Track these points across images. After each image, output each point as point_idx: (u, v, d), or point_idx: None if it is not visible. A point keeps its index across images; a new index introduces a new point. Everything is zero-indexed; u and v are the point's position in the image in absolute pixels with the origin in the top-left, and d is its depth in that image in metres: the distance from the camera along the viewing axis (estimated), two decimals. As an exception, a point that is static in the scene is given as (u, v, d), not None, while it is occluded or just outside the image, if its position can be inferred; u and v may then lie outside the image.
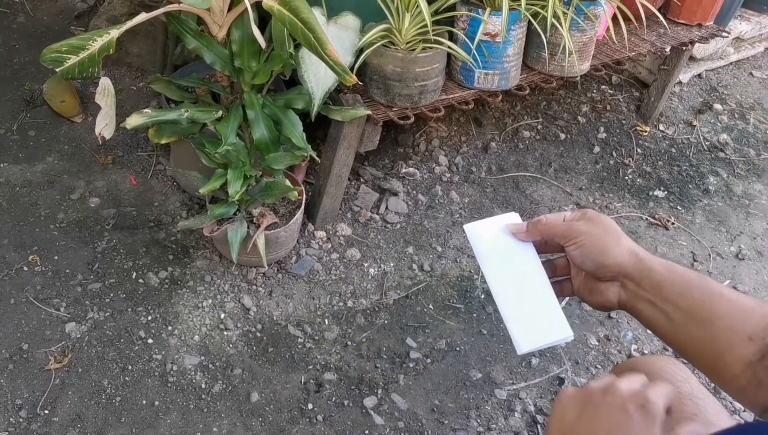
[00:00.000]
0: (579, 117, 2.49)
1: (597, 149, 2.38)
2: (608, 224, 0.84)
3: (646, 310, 0.80)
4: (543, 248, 0.92)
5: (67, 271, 1.78)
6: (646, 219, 2.16)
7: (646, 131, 2.47)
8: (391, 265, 1.91)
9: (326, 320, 1.75)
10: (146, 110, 1.57)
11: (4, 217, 1.89)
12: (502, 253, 0.92)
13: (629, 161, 2.36)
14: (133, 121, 1.56)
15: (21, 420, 1.49)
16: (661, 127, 2.51)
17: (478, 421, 1.60)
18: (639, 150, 2.40)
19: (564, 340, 0.87)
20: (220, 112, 1.62)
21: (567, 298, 0.92)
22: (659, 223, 2.14)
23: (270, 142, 1.61)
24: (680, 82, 2.67)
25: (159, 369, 1.61)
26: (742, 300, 0.75)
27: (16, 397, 1.52)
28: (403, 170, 2.18)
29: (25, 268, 1.78)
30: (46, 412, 1.51)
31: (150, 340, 1.66)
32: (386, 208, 2.06)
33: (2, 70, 2.37)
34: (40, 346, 1.62)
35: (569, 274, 0.91)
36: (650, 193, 2.25)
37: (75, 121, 2.18)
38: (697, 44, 2.29)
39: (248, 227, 1.69)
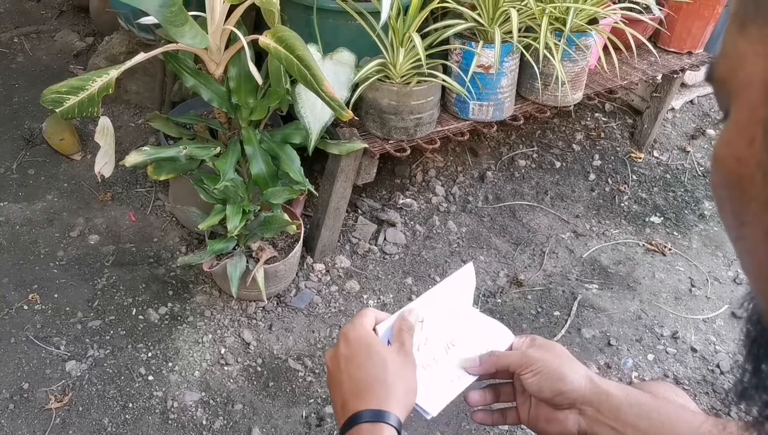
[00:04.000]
0: (574, 145, 2.51)
1: (592, 176, 2.40)
2: (560, 350, 0.85)
3: None
4: (492, 376, 0.92)
5: (67, 308, 1.78)
6: (643, 245, 2.17)
7: (640, 158, 2.49)
8: (390, 296, 1.91)
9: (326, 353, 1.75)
10: (145, 148, 1.59)
11: (4, 256, 1.90)
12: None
13: (625, 188, 2.37)
14: (132, 159, 1.57)
15: (21, 461, 1.48)
16: (656, 154, 2.54)
17: (481, 452, 1.59)
18: (634, 176, 2.43)
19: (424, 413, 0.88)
20: (218, 149, 1.64)
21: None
22: (656, 249, 2.16)
23: (268, 177, 1.63)
24: (673, 109, 2.71)
25: (160, 406, 1.60)
26: (698, 419, 0.76)
27: (17, 438, 1.52)
28: (401, 201, 2.19)
29: (25, 307, 1.78)
30: (47, 452, 1.50)
31: (150, 377, 1.65)
32: (384, 239, 2.07)
33: (2, 109, 2.40)
34: (40, 385, 1.62)
35: (514, 400, 0.91)
36: (646, 220, 2.27)
37: (74, 158, 2.20)
38: (687, 71, 2.33)
39: (247, 262, 1.70)
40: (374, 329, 0.87)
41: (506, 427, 1.63)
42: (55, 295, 1.81)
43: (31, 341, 1.70)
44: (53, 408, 1.57)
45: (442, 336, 0.93)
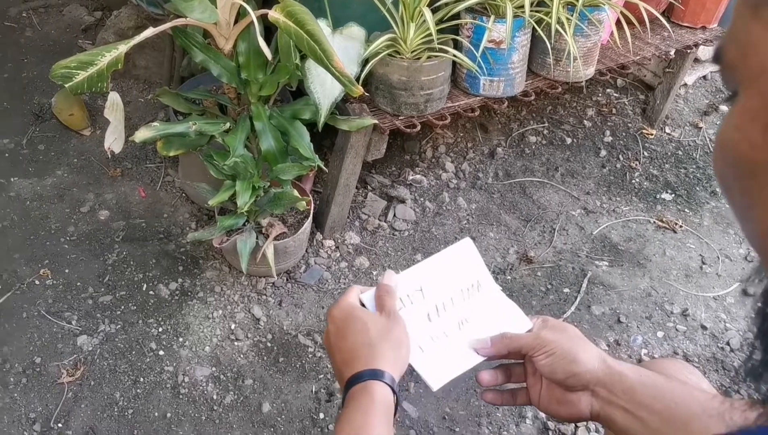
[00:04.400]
0: (585, 121, 2.49)
1: (603, 153, 2.39)
2: (572, 331, 0.85)
3: (620, 418, 0.79)
4: (503, 357, 0.92)
5: (78, 284, 1.79)
6: (654, 222, 2.16)
7: (652, 134, 2.47)
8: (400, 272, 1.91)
9: (336, 329, 1.76)
10: (154, 123, 1.58)
11: (15, 231, 1.90)
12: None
13: (636, 164, 2.36)
14: (142, 134, 1.57)
15: (35, 434, 1.50)
16: (668, 130, 2.51)
17: (490, 428, 1.60)
18: (645, 153, 2.41)
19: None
20: (228, 124, 1.63)
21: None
22: (667, 226, 2.14)
23: (278, 153, 1.62)
24: (685, 85, 2.67)
25: (170, 381, 1.61)
26: (713, 399, 0.76)
27: (30, 411, 1.53)
28: (410, 177, 2.18)
29: (37, 282, 1.79)
30: (60, 425, 1.52)
31: (161, 352, 1.66)
32: (394, 215, 2.07)
33: (11, 85, 2.39)
34: (52, 360, 1.63)
35: (525, 381, 0.90)
36: (657, 196, 2.25)
37: (84, 134, 2.20)
38: (701, 47, 2.29)
39: (257, 238, 1.70)
40: (361, 302, 0.89)
41: (516, 407, 1.64)
42: (66, 271, 1.82)
43: (42, 316, 1.71)
44: (65, 382, 1.59)
45: (457, 311, 0.93)
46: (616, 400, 0.79)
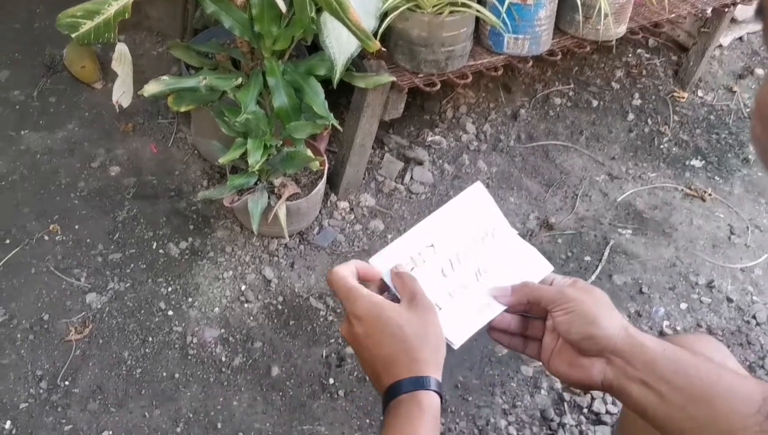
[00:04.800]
0: (613, 83, 2.39)
1: (631, 116, 2.29)
2: (600, 295, 0.79)
3: (636, 391, 0.74)
4: (524, 310, 0.87)
5: (88, 240, 1.76)
6: (682, 190, 2.08)
7: (683, 97, 2.37)
8: (416, 236, 1.86)
9: (349, 293, 1.72)
10: (164, 77, 1.53)
11: (25, 186, 1.87)
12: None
13: (665, 129, 2.26)
14: (151, 88, 1.52)
15: (41, 391, 1.48)
16: (700, 93, 2.41)
17: (503, 398, 1.56)
18: (676, 117, 2.31)
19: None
20: (240, 80, 1.57)
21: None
22: (695, 194, 2.06)
23: (291, 110, 1.56)
24: (720, 46, 2.55)
25: (179, 341, 1.59)
26: (740, 378, 0.71)
27: (37, 368, 1.52)
28: (429, 138, 2.11)
29: (46, 238, 1.76)
30: (67, 383, 1.50)
31: (170, 312, 1.64)
32: (411, 177, 2.00)
33: (23, 35, 2.33)
34: (60, 317, 1.61)
35: (540, 337, 0.85)
36: (687, 163, 2.16)
37: (95, 87, 2.14)
38: (739, 5, 2.17)
39: (269, 198, 1.65)
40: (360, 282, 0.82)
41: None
42: (76, 227, 1.79)
43: (51, 272, 1.69)
44: (73, 340, 1.57)
45: (472, 262, 0.87)
46: (633, 371, 0.73)
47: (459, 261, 0.87)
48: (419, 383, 0.73)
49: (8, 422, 1.43)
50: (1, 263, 1.69)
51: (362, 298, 0.77)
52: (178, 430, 1.45)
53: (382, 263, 0.83)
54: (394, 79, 1.66)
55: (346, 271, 0.80)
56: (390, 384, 0.74)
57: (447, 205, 0.88)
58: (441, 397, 0.74)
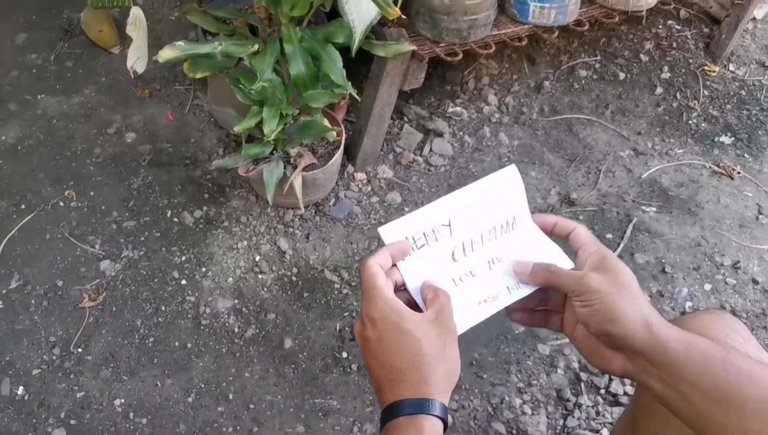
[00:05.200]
0: (641, 55, 2.32)
1: (659, 90, 2.22)
2: (626, 280, 0.72)
3: (658, 388, 0.70)
4: (540, 301, 0.83)
5: (103, 207, 1.75)
6: (710, 167, 2.01)
7: (714, 71, 2.29)
8: (434, 210, 1.82)
9: (364, 266, 1.69)
10: (179, 43, 1.49)
11: (41, 151, 1.86)
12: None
13: (694, 104, 2.19)
14: (166, 54, 1.48)
15: (54, 357, 1.48)
16: (732, 68, 2.33)
17: (519, 376, 1.54)
18: (706, 92, 2.23)
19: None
20: (256, 46, 1.53)
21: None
22: (724, 171, 2.00)
23: (308, 78, 1.52)
24: (754, 19, 2.46)
25: (192, 311, 1.58)
26: None
27: (50, 335, 1.52)
28: (450, 110, 2.07)
29: (61, 203, 1.75)
30: (80, 350, 1.50)
31: (183, 281, 1.62)
32: (430, 149, 1.96)
33: (41, -2, 2.31)
34: (74, 284, 1.60)
35: (562, 309, 0.80)
36: (716, 140, 2.10)
37: (112, 52, 2.12)
38: (777, -24, 2.09)
39: (285, 168, 1.62)
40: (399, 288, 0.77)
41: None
42: (91, 193, 1.78)
43: (66, 239, 1.68)
44: (87, 307, 1.56)
45: (487, 250, 0.82)
46: (654, 371, 0.69)
47: (473, 248, 0.82)
48: (423, 406, 0.68)
49: (21, 388, 1.43)
50: (16, 229, 1.68)
51: (383, 300, 0.72)
52: (190, 399, 1.44)
53: (393, 233, 0.78)
54: (414, 48, 1.61)
55: (378, 269, 0.74)
56: (392, 402, 0.70)
57: (475, 184, 0.82)
58: (445, 425, 0.69)
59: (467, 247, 0.81)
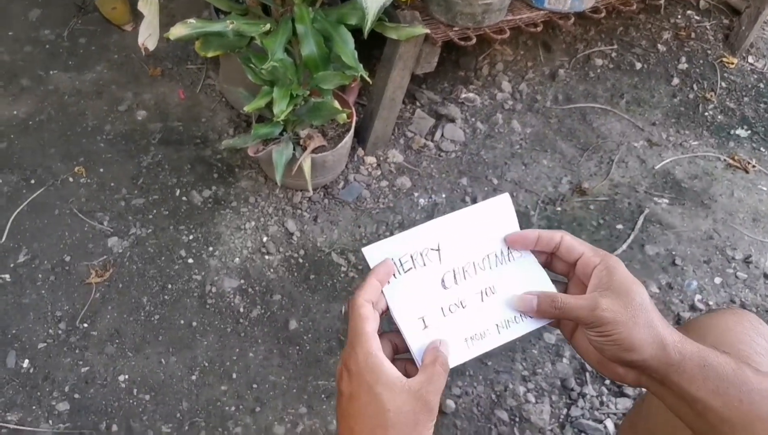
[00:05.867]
0: (659, 45, 2.29)
1: (676, 81, 2.19)
2: (639, 300, 0.67)
3: (670, 402, 0.68)
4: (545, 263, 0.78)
5: (112, 184, 1.75)
6: (724, 160, 1.99)
7: (733, 63, 2.25)
8: (443, 196, 1.81)
9: (371, 250, 1.68)
10: (191, 21, 1.48)
11: (52, 126, 1.86)
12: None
13: (711, 96, 2.16)
14: (177, 31, 1.47)
15: (60, 332, 1.49)
16: (750, 60, 2.29)
17: (524, 364, 1.53)
18: (723, 84, 2.20)
19: None
20: (269, 26, 1.52)
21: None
22: (738, 165, 1.97)
23: (319, 59, 1.51)
24: (776, 10, 2.42)
25: (198, 290, 1.58)
26: None
27: (56, 309, 1.52)
28: (463, 95, 2.05)
29: (71, 179, 1.75)
30: (85, 325, 1.51)
31: (190, 260, 1.62)
32: (442, 135, 1.95)
33: (56, -26, 2.31)
34: (82, 259, 1.61)
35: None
36: (731, 132, 2.07)
37: (126, 29, 2.11)
38: (801, -33, 2.05)
39: (294, 149, 1.61)
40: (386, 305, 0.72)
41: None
42: (101, 170, 1.78)
43: (75, 214, 1.68)
44: (93, 283, 1.57)
45: (481, 279, 0.76)
46: (668, 385, 0.67)
47: (465, 276, 0.76)
48: None
49: (26, 361, 1.44)
50: (25, 203, 1.69)
51: (364, 354, 0.65)
52: (193, 378, 1.45)
53: (379, 254, 0.73)
54: (427, 31, 1.60)
55: (368, 311, 0.68)
56: None
57: (465, 209, 0.77)
58: None
59: (458, 274, 0.76)
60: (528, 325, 0.76)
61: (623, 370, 0.71)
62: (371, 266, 0.73)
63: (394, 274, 0.73)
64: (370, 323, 0.67)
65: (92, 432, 1.36)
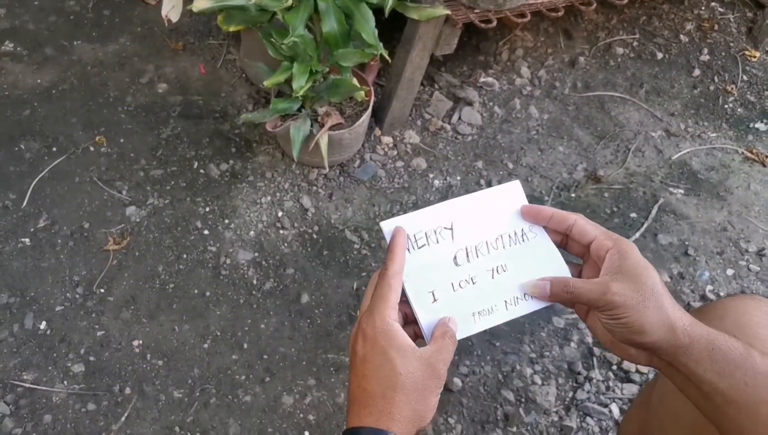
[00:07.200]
0: (681, 35, 2.27)
1: (697, 72, 2.18)
2: (650, 283, 0.69)
3: (680, 383, 0.70)
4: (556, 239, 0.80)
5: (132, 154, 1.78)
6: (742, 153, 1.98)
7: (755, 56, 2.24)
8: (458, 178, 1.82)
9: (384, 228, 1.70)
10: (214, -7, 1.50)
11: (74, 96, 1.89)
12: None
13: (732, 88, 2.15)
14: (200, 4, 1.49)
15: (77, 296, 1.52)
16: (773, 54, 2.28)
17: (531, 347, 1.54)
18: (744, 77, 2.19)
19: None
20: (290, 1, 1.53)
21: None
22: (756, 158, 1.96)
23: (340, 36, 1.52)
24: (802, 5, 2.40)
25: (213, 261, 1.60)
26: None
27: (74, 274, 1.55)
28: (482, 79, 2.05)
29: (92, 148, 1.78)
30: (102, 291, 1.53)
31: (206, 231, 1.65)
32: (459, 118, 1.95)
33: (83, -54, 2.33)
34: (100, 227, 1.63)
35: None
36: (750, 125, 2.06)
37: (149, 2, 2.13)
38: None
39: (312, 126, 1.63)
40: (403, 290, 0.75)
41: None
42: (121, 140, 1.80)
43: (94, 183, 1.71)
44: (111, 250, 1.59)
45: (493, 257, 0.79)
46: (677, 366, 0.69)
47: (477, 254, 0.79)
48: None
49: (44, 323, 1.47)
50: (47, 170, 1.72)
51: (381, 319, 0.69)
52: (205, 346, 1.47)
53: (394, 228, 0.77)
54: (448, 12, 1.60)
55: (397, 284, 0.72)
56: (352, 426, 0.68)
57: (478, 193, 0.80)
58: None
59: (471, 252, 0.79)
60: (536, 304, 0.78)
61: (635, 351, 0.73)
62: (387, 240, 0.76)
63: (408, 249, 0.76)
64: (395, 295, 0.71)
65: (106, 394, 1.39)
